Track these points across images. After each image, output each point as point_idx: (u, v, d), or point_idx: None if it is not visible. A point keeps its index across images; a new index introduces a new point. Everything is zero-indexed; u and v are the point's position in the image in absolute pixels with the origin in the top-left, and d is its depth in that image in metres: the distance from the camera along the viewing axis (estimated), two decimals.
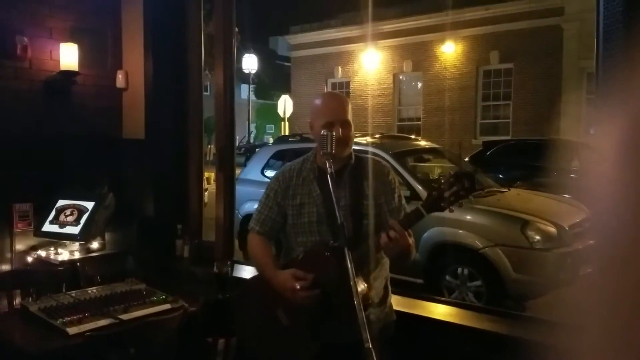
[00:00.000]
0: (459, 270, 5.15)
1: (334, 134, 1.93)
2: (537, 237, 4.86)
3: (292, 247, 2.17)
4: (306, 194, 2.13)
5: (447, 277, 5.20)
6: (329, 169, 1.89)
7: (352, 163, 2.14)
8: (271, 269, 2.12)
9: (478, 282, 5.04)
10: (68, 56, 3.31)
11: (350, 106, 2.14)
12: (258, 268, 2.24)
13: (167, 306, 2.48)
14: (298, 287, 1.96)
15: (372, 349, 1.60)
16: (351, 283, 1.70)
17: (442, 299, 3.62)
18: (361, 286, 1.86)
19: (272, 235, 2.23)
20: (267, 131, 35.03)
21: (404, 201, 2.18)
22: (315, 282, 1.97)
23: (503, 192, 5.90)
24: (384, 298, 2.18)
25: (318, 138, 2.03)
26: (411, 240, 1.96)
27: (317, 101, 2.17)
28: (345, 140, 2.04)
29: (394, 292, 2.64)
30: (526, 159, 10.26)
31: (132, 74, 3.53)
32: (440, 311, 2.62)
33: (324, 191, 2.07)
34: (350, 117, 2.09)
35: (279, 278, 2.04)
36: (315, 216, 2.09)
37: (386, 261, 2.19)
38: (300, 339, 2.01)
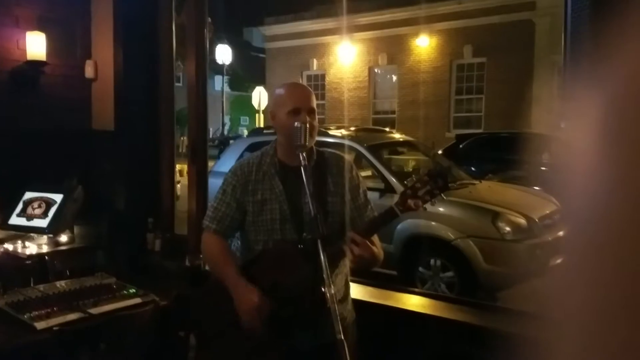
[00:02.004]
0: (432, 261, 5.22)
1: (307, 125, 1.89)
2: (508, 229, 4.95)
3: (251, 245, 2.07)
4: (267, 189, 2.03)
5: (420, 269, 5.27)
6: (303, 161, 1.85)
7: (315, 158, 2.06)
8: (235, 275, 1.96)
9: (450, 273, 5.12)
10: (35, 46, 3.23)
11: (314, 97, 2.08)
12: (218, 272, 2.09)
13: (137, 300, 2.44)
14: (259, 307, 1.88)
15: (345, 341, 1.60)
16: (324, 275, 1.70)
17: (415, 290, 3.66)
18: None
19: (229, 234, 2.11)
20: (241, 123, 34.80)
21: (367, 195, 2.15)
22: (280, 284, 1.93)
23: (475, 184, 5.99)
24: (345, 295, 2.13)
25: (285, 129, 1.98)
26: (375, 249, 1.92)
27: (281, 90, 2.08)
28: (310, 130, 1.94)
29: (367, 284, 2.66)
30: (498, 152, 10.42)
31: (101, 64, 3.46)
32: (413, 302, 2.65)
33: (287, 187, 2.01)
34: (315, 106, 2.02)
35: (245, 292, 1.91)
36: (278, 214, 2.01)
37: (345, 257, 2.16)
38: (264, 341, 1.95)
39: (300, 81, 19.07)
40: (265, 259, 2.02)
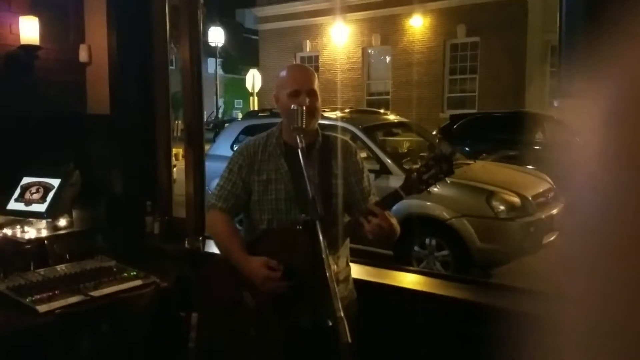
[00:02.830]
0: (427, 240, 5.28)
1: (304, 107, 1.90)
2: (502, 207, 5.01)
3: (256, 225, 2.11)
4: (273, 170, 2.07)
5: (416, 248, 5.33)
6: (300, 143, 1.87)
7: (320, 140, 2.10)
8: (240, 253, 2.02)
9: (445, 252, 5.18)
10: (28, 30, 3.20)
11: (316, 78, 2.10)
12: (224, 250, 2.14)
13: (138, 282, 2.48)
14: (270, 276, 1.93)
15: (344, 318, 1.63)
16: (323, 256, 1.72)
17: (411, 268, 3.72)
18: (332, 266, 1.87)
19: (235, 212, 2.15)
20: (235, 106, 34.59)
21: (371, 180, 2.19)
22: (284, 264, 1.95)
23: (469, 164, 6.03)
24: (347, 276, 2.19)
25: (286, 111, 2.01)
26: (393, 220, 1.97)
27: (283, 72, 2.12)
28: (311, 111, 1.97)
29: (365, 264, 2.70)
30: (492, 132, 10.44)
31: (95, 48, 3.44)
32: (409, 280, 2.70)
33: (291, 168, 2.04)
34: (316, 87, 2.04)
35: (250, 265, 1.97)
36: (283, 193, 2.05)
37: (347, 239, 2.18)
38: (267, 321, 1.99)
39: (294, 63, 18.98)
40: (268, 238, 2.05)
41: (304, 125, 1.90)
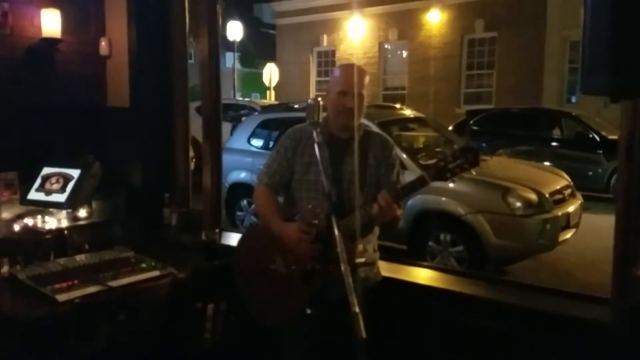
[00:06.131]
0: (442, 236, 5.26)
1: (321, 103, 2.05)
2: (518, 204, 4.97)
3: (295, 201, 2.31)
4: (315, 154, 2.19)
5: (430, 243, 5.32)
6: (315, 137, 1.99)
7: (361, 135, 2.27)
8: (278, 220, 2.26)
9: (460, 248, 5.16)
10: (50, 22, 3.25)
11: (366, 78, 2.27)
12: (264, 218, 2.37)
13: (155, 273, 2.51)
14: (302, 238, 2.12)
15: (359, 314, 1.64)
16: (338, 250, 1.75)
17: (425, 263, 3.71)
18: (360, 246, 2.08)
19: (278, 188, 2.37)
20: (252, 100, 34.56)
21: (400, 177, 2.33)
22: (317, 235, 2.11)
23: (485, 160, 5.98)
24: (374, 260, 2.35)
25: (332, 107, 2.22)
26: (400, 212, 2.14)
27: (337, 71, 2.34)
28: (351, 112, 2.17)
29: (379, 258, 2.71)
30: (508, 128, 10.37)
31: (115, 41, 3.49)
32: (423, 275, 2.71)
33: (332, 154, 2.22)
34: (364, 90, 2.21)
35: (285, 228, 2.20)
36: (322, 175, 2.19)
37: (376, 227, 2.33)
38: (295, 287, 2.16)
39: (311, 57, 19.04)
40: (308, 212, 2.19)
41: (320, 120, 2.05)
